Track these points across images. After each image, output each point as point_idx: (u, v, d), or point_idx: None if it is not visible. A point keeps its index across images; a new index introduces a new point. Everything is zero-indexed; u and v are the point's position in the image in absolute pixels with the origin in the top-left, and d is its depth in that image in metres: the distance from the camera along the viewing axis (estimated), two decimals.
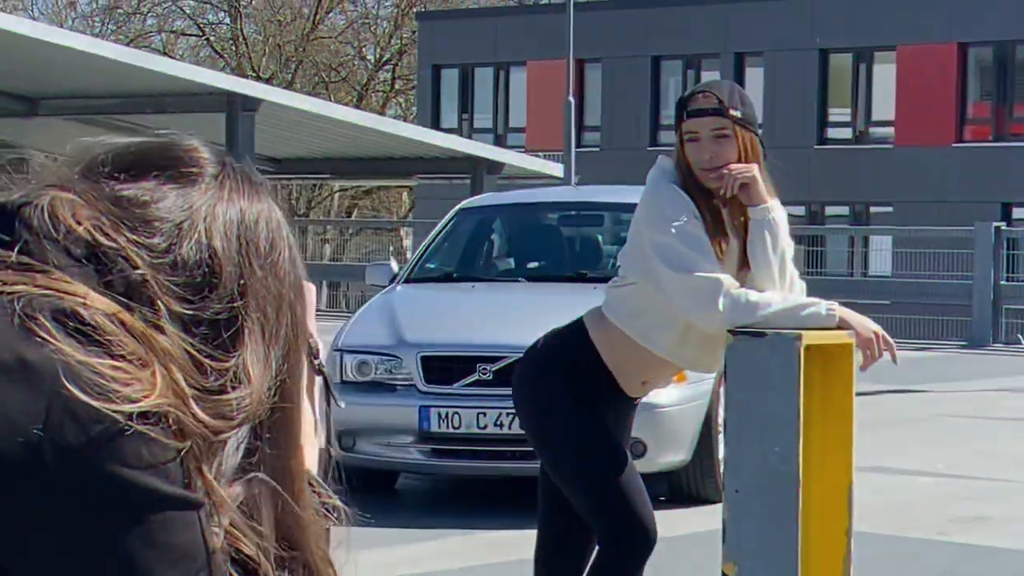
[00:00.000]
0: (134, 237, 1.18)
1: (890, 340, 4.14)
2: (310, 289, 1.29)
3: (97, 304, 1.15)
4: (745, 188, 4.13)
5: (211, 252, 1.19)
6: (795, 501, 4.05)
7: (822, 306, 4.11)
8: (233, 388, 1.17)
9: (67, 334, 1.13)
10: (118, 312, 1.15)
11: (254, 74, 38.27)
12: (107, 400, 1.12)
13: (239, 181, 1.24)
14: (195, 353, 1.17)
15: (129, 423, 1.12)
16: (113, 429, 1.12)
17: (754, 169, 4.15)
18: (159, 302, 1.16)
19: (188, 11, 43.39)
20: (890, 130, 30.88)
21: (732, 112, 4.12)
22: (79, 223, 1.17)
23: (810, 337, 4.03)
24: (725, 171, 4.10)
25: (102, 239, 1.17)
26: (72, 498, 1.12)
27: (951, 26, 29.79)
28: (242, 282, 1.19)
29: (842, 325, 4.11)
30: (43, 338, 1.13)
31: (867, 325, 4.13)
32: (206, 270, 1.18)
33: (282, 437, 1.23)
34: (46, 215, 1.18)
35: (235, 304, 1.18)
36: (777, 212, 4.18)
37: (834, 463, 4.24)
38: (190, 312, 1.17)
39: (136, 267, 1.17)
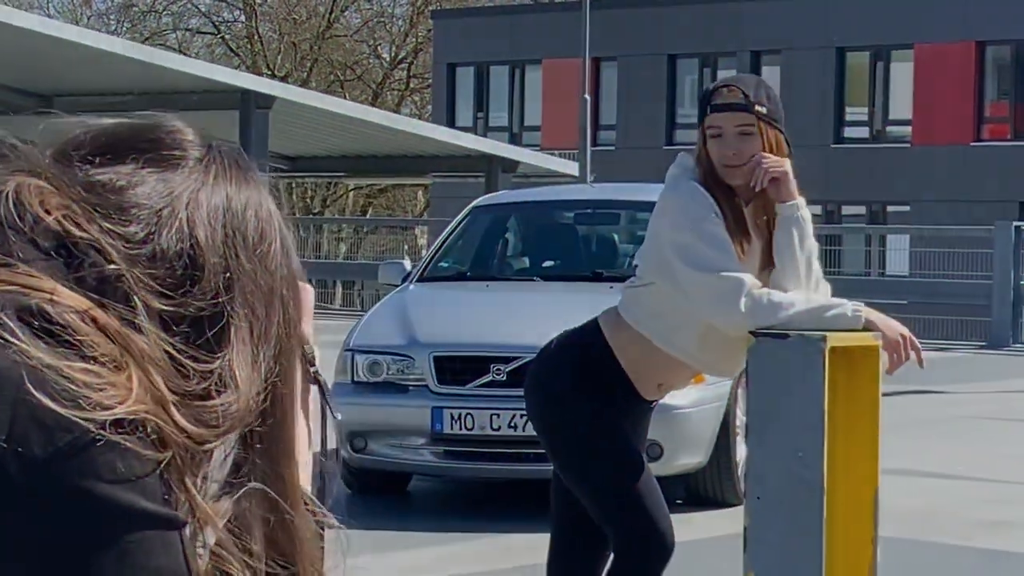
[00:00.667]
0: (108, 226, 1.07)
1: (917, 343, 4.04)
2: (307, 290, 1.18)
3: (66, 301, 1.04)
4: (775, 183, 4.02)
5: (193, 242, 1.09)
6: (819, 508, 3.96)
7: (847, 307, 4.01)
8: (218, 392, 1.07)
9: (33, 334, 1.03)
10: (89, 309, 1.05)
11: (269, 72, 38.24)
12: (77, 407, 1.02)
13: (227, 166, 1.14)
14: (176, 354, 1.06)
15: (102, 432, 1.02)
16: (84, 439, 1.01)
17: (787, 164, 4.05)
18: (136, 299, 1.06)
19: (203, 9, 43.42)
20: (907, 129, 30.74)
21: (758, 108, 4.01)
22: (48, 212, 1.07)
23: (835, 339, 3.92)
24: (755, 163, 3.99)
25: (73, 230, 1.07)
26: (40, 515, 1.01)
27: (968, 24, 29.63)
28: (228, 275, 1.09)
29: (868, 327, 4.01)
30: (6, 339, 1.03)
31: (894, 327, 4.03)
32: (187, 262, 1.08)
33: (274, 447, 1.12)
34: (11, 203, 1.07)
35: (220, 299, 1.08)
36: (804, 210, 4.09)
37: (859, 469, 4.14)
38: (170, 309, 1.07)
39: (110, 260, 1.06)
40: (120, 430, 1.02)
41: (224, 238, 1.10)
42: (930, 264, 21.59)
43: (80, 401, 1.01)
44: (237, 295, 1.09)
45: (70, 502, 1.01)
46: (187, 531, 1.05)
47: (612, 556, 4.12)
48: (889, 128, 31.09)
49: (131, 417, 1.02)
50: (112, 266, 1.06)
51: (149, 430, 1.03)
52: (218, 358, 1.07)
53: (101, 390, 1.02)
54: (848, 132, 31.22)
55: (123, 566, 1.02)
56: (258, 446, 1.10)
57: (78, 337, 1.03)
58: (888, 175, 30.15)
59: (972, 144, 30.03)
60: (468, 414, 7.68)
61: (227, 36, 43.53)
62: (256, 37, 41.86)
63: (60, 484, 1.01)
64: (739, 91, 4.02)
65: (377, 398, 7.85)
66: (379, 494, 8.23)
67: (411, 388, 7.84)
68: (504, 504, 8.13)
